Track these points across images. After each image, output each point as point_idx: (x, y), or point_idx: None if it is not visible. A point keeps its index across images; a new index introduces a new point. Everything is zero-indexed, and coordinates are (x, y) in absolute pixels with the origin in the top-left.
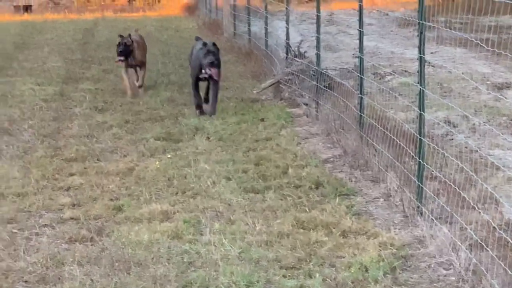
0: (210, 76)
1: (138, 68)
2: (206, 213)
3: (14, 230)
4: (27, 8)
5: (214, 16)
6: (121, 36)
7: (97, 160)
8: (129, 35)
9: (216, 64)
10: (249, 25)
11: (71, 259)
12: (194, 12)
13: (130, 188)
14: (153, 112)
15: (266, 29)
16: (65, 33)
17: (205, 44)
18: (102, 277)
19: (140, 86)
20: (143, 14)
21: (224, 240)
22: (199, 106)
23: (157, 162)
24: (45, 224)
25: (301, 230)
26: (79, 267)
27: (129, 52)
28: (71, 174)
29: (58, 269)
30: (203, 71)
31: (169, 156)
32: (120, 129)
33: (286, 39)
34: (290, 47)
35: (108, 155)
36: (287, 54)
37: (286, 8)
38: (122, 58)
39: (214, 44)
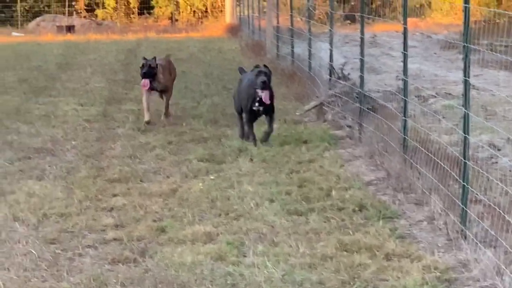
0: (263, 103)
1: (162, 94)
2: (250, 235)
3: (57, 251)
4: (70, 28)
5: (257, 37)
6: (145, 58)
7: (140, 181)
8: (154, 58)
9: (268, 85)
10: (292, 47)
11: (114, 280)
12: (237, 34)
13: (173, 209)
14: (196, 133)
15: (309, 50)
16: (108, 53)
17: (256, 66)
18: None
19: (166, 115)
20: (186, 35)
21: (267, 262)
22: (243, 134)
23: (200, 184)
24: (88, 245)
25: (345, 253)
26: None
27: (153, 74)
28: (114, 195)
29: None
30: (256, 94)
31: (212, 177)
32: (163, 150)
33: (330, 61)
34: (334, 69)
35: (151, 176)
36: (330, 76)
37: (330, 30)
38: (146, 81)
39: (266, 66)
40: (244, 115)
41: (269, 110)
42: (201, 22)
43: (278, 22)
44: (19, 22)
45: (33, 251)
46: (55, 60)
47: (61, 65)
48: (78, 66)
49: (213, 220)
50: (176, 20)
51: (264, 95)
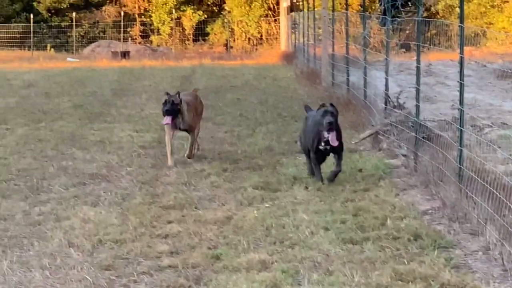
0: (329, 144)
1: (187, 133)
2: (304, 263)
3: (112, 277)
4: (125, 54)
5: (312, 65)
6: (167, 93)
7: (195, 208)
8: (178, 93)
9: (335, 126)
10: (347, 75)
11: None
12: (292, 61)
13: (228, 237)
14: (251, 161)
15: (365, 79)
16: (163, 80)
17: (323, 105)
18: None
19: (189, 157)
20: (241, 62)
21: None
22: (321, 178)
23: (255, 211)
24: (143, 272)
25: (400, 282)
26: None
27: (176, 112)
28: (169, 222)
29: None
30: (322, 135)
31: (267, 205)
32: (218, 177)
33: (385, 90)
34: (389, 97)
35: (206, 203)
36: (385, 104)
37: (386, 59)
38: (169, 119)
39: (332, 105)
40: (311, 155)
41: (337, 149)
42: (256, 49)
43: (333, 50)
44: (74, 48)
45: (88, 277)
46: (110, 86)
47: (116, 91)
48: (133, 92)
49: (268, 248)
50: (231, 47)
51: (331, 136)
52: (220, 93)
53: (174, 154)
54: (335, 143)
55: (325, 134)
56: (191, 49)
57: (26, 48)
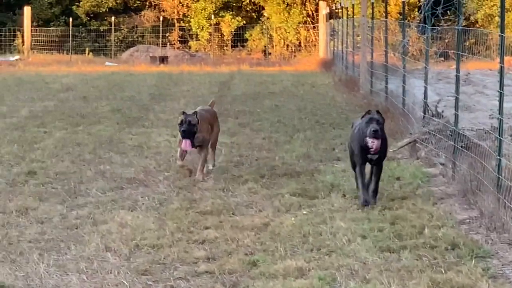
0: (373, 153)
1: (199, 149)
2: (341, 271)
3: (149, 282)
4: (163, 59)
5: (350, 72)
6: (184, 113)
7: (232, 214)
8: (195, 113)
9: (380, 134)
10: (386, 83)
11: None
12: (330, 68)
13: (265, 244)
14: (288, 167)
15: (403, 87)
16: (201, 85)
17: (368, 111)
18: None
19: (199, 179)
20: (279, 68)
21: None
22: (365, 201)
23: (293, 218)
24: (180, 277)
25: None
26: None
27: (193, 133)
28: (206, 227)
29: None
30: (366, 142)
31: (304, 212)
32: (255, 183)
33: (424, 98)
34: (428, 106)
35: (243, 209)
36: (424, 113)
37: (425, 67)
38: (188, 142)
39: (378, 112)
40: (357, 167)
41: (379, 160)
42: (294, 56)
43: (372, 58)
44: (112, 52)
45: (124, 282)
46: (148, 90)
47: (154, 96)
48: (171, 97)
49: (305, 255)
50: (270, 53)
51: (375, 144)
52: (258, 99)
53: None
54: (377, 149)
55: (369, 142)
56: (229, 55)
57: (65, 52)
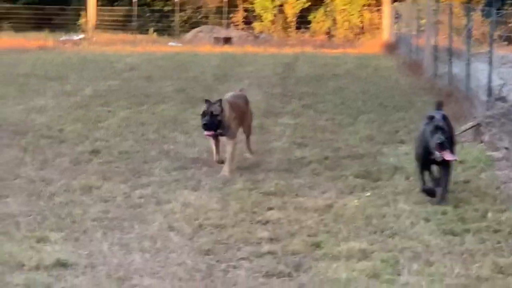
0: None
1: (226, 141)
2: (404, 253)
3: (212, 262)
4: (227, 40)
5: (414, 55)
6: (207, 101)
7: (296, 195)
8: (219, 100)
9: (446, 144)
10: (450, 66)
11: None
12: (394, 51)
13: (328, 225)
14: (352, 149)
15: (467, 70)
16: (265, 66)
17: (431, 117)
18: None
19: (228, 167)
20: (343, 50)
21: (422, 282)
22: (428, 192)
23: (356, 200)
24: (243, 257)
25: (500, 275)
26: None
27: (216, 125)
28: (270, 208)
29: None
30: (433, 154)
31: (368, 194)
32: (319, 165)
33: (488, 82)
34: (492, 90)
35: (307, 191)
36: (488, 96)
37: (489, 51)
38: (209, 133)
39: (444, 117)
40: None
41: (446, 163)
42: (358, 38)
43: (436, 41)
44: (176, 32)
45: (188, 261)
46: (212, 71)
47: (218, 77)
48: (235, 78)
49: (368, 237)
50: (333, 35)
51: (445, 155)
52: (322, 81)
53: (220, 153)
54: (450, 157)
55: (437, 155)
56: (293, 36)
57: (129, 32)
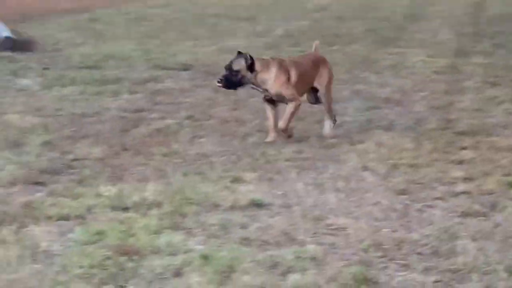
0: None
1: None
2: None
3: (407, 202)
4: None
5: None
6: (239, 52)
7: (489, 134)
8: (247, 55)
9: None
10: None
11: (464, 233)
12: None
13: None
14: None
15: None
16: (455, 5)
17: None
18: (495, 253)
19: (285, 124)
20: None
21: None
22: None
23: None
24: (438, 197)
25: None
26: (472, 241)
27: (233, 83)
28: (463, 148)
29: (451, 242)
30: None
31: None
32: None
33: None
34: None
35: (500, 130)
36: None
37: None
38: (220, 85)
39: None
40: None
41: None
42: None
43: None
44: None
45: (382, 200)
46: (403, 10)
47: (408, 16)
48: (425, 17)
49: None
50: None
51: None
52: None
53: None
54: None
55: None
56: None
57: None
